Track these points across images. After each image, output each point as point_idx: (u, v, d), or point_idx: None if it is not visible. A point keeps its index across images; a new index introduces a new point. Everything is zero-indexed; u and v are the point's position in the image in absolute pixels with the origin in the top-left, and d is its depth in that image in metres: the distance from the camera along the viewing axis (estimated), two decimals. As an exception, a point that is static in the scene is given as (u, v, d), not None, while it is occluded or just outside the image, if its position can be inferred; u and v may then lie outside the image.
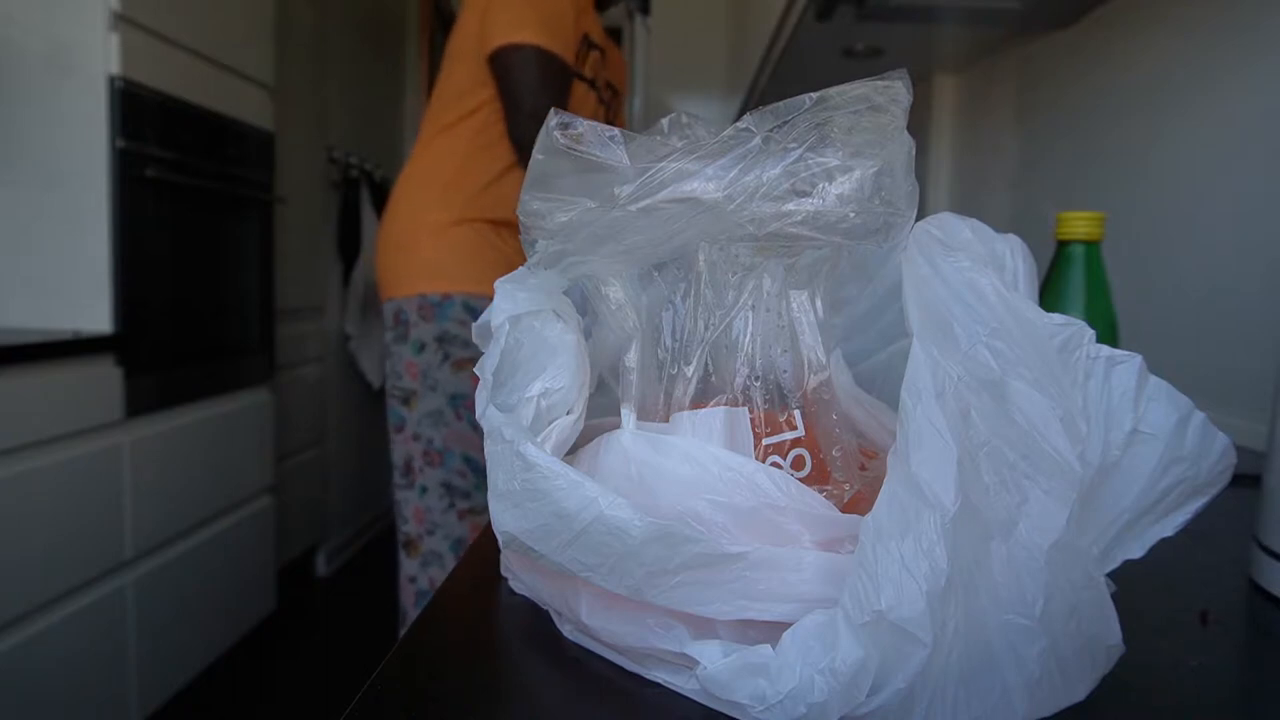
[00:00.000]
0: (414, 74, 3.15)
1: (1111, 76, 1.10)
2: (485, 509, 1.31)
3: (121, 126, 1.50)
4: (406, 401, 1.38)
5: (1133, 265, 0.98)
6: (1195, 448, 0.31)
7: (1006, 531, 0.29)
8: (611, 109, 1.58)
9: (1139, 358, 0.32)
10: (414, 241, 1.40)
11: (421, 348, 1.38)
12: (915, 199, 0.34)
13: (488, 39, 1.31)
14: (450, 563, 1.38)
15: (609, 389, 0.42)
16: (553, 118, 0.35)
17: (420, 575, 1.40)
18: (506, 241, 1.43)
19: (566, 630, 0.38)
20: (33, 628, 1.32)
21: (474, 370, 1.14)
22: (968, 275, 0.32)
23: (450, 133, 1.40)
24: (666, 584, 0.31)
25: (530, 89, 1.29)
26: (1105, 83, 1.12)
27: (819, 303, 0.38)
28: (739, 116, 0.35)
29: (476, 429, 1.32)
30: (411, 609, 1.42)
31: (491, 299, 1.30)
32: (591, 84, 1.46)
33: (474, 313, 1.35)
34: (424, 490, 1.38)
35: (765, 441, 0.37)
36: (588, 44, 1.43)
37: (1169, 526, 0.32)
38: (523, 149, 1.32)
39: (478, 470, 1.39)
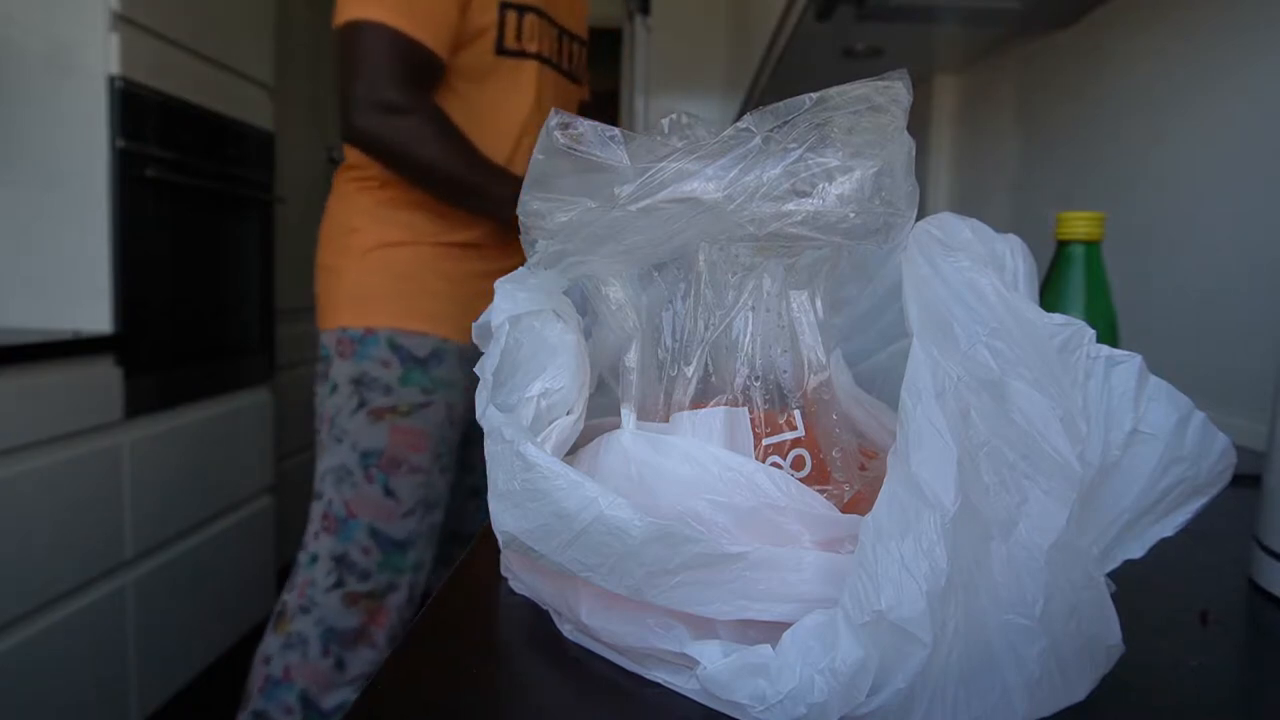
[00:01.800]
0: (414, 74, 3.14)
1: (1111, 76, 1.10)
2: (387, 593, 1.11)
3: (121, 126, 1.50)
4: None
5: (1133, 265, 0.98)
6: (1195, 448, 0.31)
7: (1006, 531, 0.29)
8: (577, 61, 1.31)
9: (1139, 358, 0.32)
10: (338, 263, 1.16)
11: (334, 389, 1.13)
12: (915, 199, 0.34)
13: (335, 14, 1.07)
14: (316, 656, 1.09)
15: (609, 389, 0.42)
16: (553, 118, 0.35)
17: (277, 659, 1.11)
18: (461, 263, 1.17)
19: (566, 630, 0.38)
20: (33, 628, 1.32)
21: (392, 422, 1.13)
22: (968, 275, 0.32)
23: None
24: (666, 584, 0.31)
25: (364, 72, 1.03)
26: (1105, 83, 1.12)
27: (819, 303, 0.38)
28: (739, 116, 0.35)
29: (391, 494, 1.12)
30: (257, 695, 1.11)
31: (432, 337, 1.00)
32: (544, 60, 1.20)
33: (402, 353, 1.12)
34: (313, 559, 1.12)
35: (765, 442, 0.37)
36: (513, 8, 1.14)
37: (1169, 526, 0.32)
38: (359, 144, 1.07)
39: (386, 545, 1.12)
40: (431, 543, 1.19)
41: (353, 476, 1.12)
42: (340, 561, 1.11)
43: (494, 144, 1.16)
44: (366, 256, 1.14)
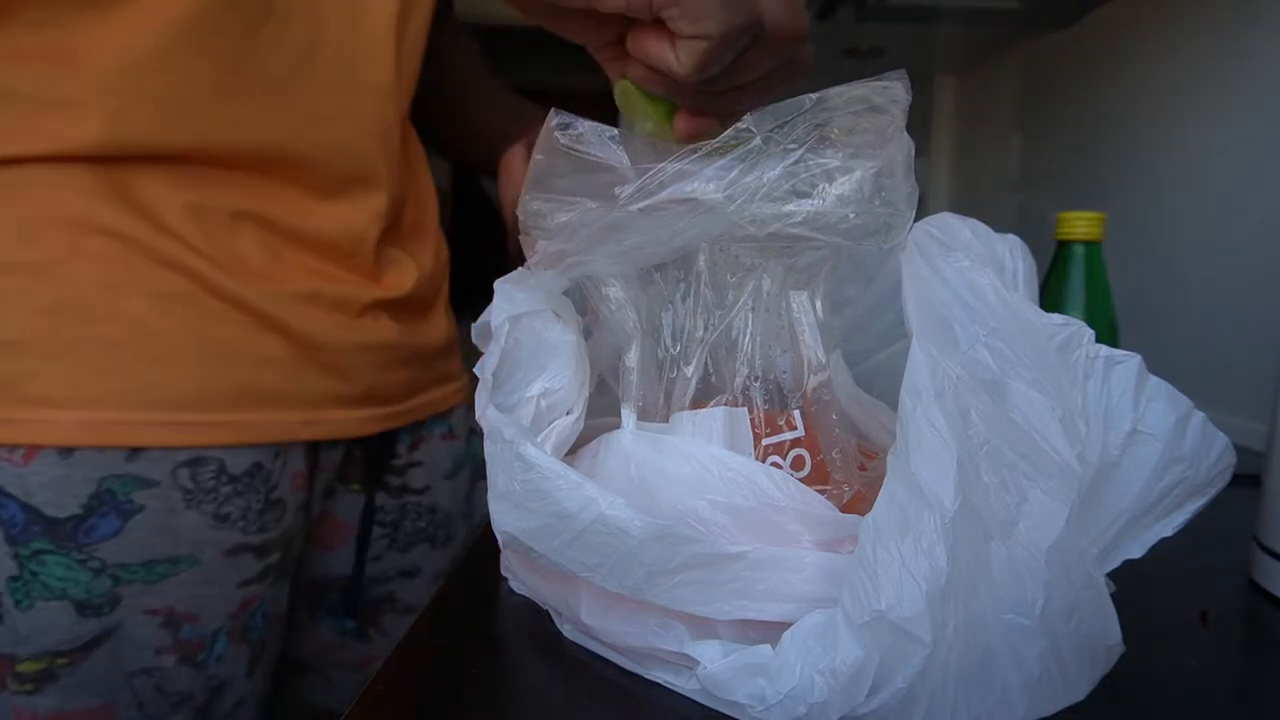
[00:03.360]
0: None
1: (1111, 76, 1.10)
2: None
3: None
4: None
5: (1133, 265, 0.98)
6: (1195, 448, 0.31)
7: (1006, 531, 0.29)
8: None
9: (1138, 358, 0.32)
10: None
11: None
12: (915, 200, 0.34)
13: None
14: None
15: (609, 389, 0.42)
16: (553, 118, 0.35)
17: None
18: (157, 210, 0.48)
19: (566, 630, 0.38)
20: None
21: (11, 701, 0.44)
22: (967, 275, 0.32)
23: None
24: (666, 584, 0.31)
25: None
26: (1105, 83, 1.12)
27: (819, 303, 0.38)
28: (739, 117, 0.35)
29: None
30: None
31: (90, 453, 0.43)
32: None
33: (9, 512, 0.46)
34: None
35: (765, 442, 0.37)
36: None
37: (1169, 526, 0.32)
38: None
39: None
40: None
41: None
42: None
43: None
44: None
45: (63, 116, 0.45)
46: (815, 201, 0.33)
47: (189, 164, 0.49)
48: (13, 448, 0.45)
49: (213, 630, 0.52)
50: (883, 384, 0.44)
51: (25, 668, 0.46)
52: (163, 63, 0.46)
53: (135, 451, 0.47)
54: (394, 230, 0.61)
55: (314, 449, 0.58)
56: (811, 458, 0.37)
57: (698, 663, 0.31)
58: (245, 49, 0.49)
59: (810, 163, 0.33)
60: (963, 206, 1.61)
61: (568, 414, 0.38)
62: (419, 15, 0.60)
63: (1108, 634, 0.31)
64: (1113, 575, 0.32)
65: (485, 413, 0.36)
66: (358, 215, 0.56)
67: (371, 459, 0.64)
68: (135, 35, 0.46)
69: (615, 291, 0.39)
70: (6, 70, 0.46)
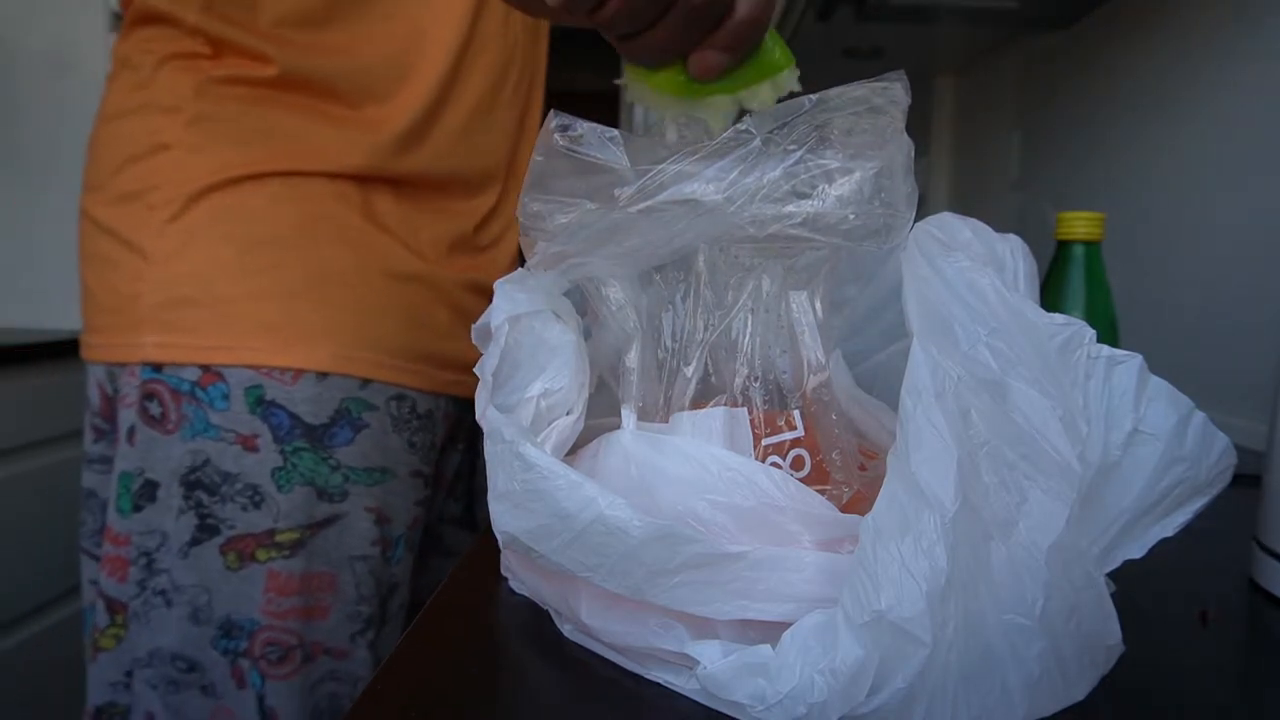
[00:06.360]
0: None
1: (1111, 76, 1.10)
2: None
3: (122, 127, 1.49)
4: (112, 611, 0.61)
5: (1133, 265, 0.98)
6: (1195, 448, 0.31)
7: (1006, 531, 0.29)
8: None
9: (1139, 358, 0.32)
10: (123, 223, 0.62)
11: (132, 493, 0.60)
12: (915, 201, 0.34)
13: None
14: None
15: (609, 389, 0.42)
16: (553, 119, 0.35)
17: None
18: (392, 217, 0.66)
19: (566, 630, 0.38)
20: (33, 627, 1.32)
21: (269, 565, 0.54)
22: (968, 275, 0.32)
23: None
24: (666, 584, 0.31)
25: None
26: (1105, 83, 1.12)
27: (818, 303, 0.38)
28: (739, 118, 0.35)
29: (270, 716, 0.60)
30: None
31: (341, 379, 0.60)
32: None
33: (278, 418, 0.60)
34: None
35: (765, 442, 0.37)
36: None
37: (1169, 527, 0.32)
38: None
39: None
40: None
41: (197, 675, 0.59)
42: None
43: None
44: (194, 208, 0.60)
45: (331, 154, 0.63)
46: (815, 202, 0.33)
47: (408, 186, 0.67)
48: (284, 370, 0.60)
49: (397, 535, 0.66)
50: (883, 384, 0.44)
51: (282, 537, 0.60)
52: (426, 123, 0.66)
53: (365, 382, 0.63)
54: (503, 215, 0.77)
55: (453, 406, 0.71)
56: (811, 458, 0.37)
57: (698, 663, 0.31)
58: (489, 99, 0.70)
59: (810, 164, 0.33)
60: (963, 206, 1.61)
61: (568, 414, 0.38)
62: None
63: (1108, 634, 0.31)
64: (1113, 575, 0.32)
65: (485, 413, 0.36)
66: (486, 210, 0.73)
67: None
68: (406, 112, 0.65)
69: (615, 292, 0.39)
70: (293, 116, 0.63)
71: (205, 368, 0.59)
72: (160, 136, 0.62)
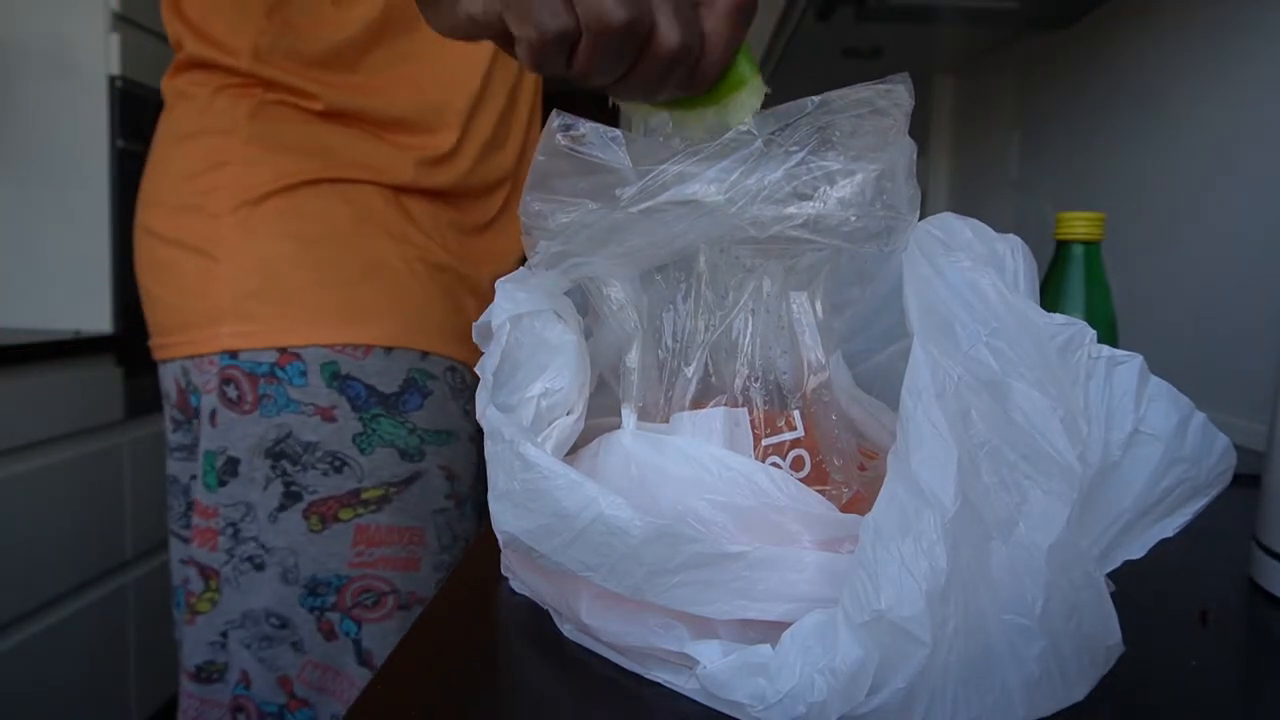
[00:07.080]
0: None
1: (1111, 76, 1.10)
2: None
3: (121, 126, 1.50)
4: (205, 578, 0.67)
5: (1133, 265, 0.98)
6: (1195, 448, 0.31)
7: (1006, 531, 0.29)
8: None
9: (1140, 358, 0.32)
10: (193, 232, 0.68)
11: (218, 470, 0.66)
12: (917, 203, 0.34)
13: None
14: None
15: (609, 389, 0.42)
16: (555, 119, 0.35)
17: None
18: (437, 221, 0.75)
19: (567, 630, 0.38)
20: (33, 628, 1.32)
21: (356, 520, 0.60)
22: (968, 275, 0.32)
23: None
24: (666, 584, 0.31)
25: None
26: (1105, 83, 1.12)
27: (819, 304, 0.38)
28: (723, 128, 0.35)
29: (368, 660, 0.66)
30: None
31: (406, 352, 0.69)
32: None
33: (354, 389, 0.66)
34: None
35: (765, 442, 0.37)
36: None
37: (1170, 527, 0.32)
38: None
39: None
40: None
41: (288, 631, 0.64)
42: None
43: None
44: (256, 212, 0.66)
45: (380, 168, 0.70)
46: (816, 204, 0.33)
47: (434, 194, 0.74)
48: (356, 346, 0.67)
49: (464, 492, 0.73)
50: (883, 384, 0.44)
51: (368, 495, 0.66)
52: (455, 150, 0.74)
53: (424, 354, 0.70)
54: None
55: None
56: (811, 458, 0.37)
57: (698, 662, 0.31)
58: (505, 118, 0.78)
59: (812, 165, 0.33)
60: (963, 206, 1.61)
61: (568, 414, 0.38)
62: None
63: (1108, 634, 0.31)
64: (1113, 575, 0.32)
65: (485, 413, 0.36)
66: (495, 209, 0.81)
67: None
68: (440, 144, 0.73)
69: (616, 292, 0.39)
70: (344, 136, 0.70)
71: (282, 349, 0.65)
72: (219, 155, 0.68)
